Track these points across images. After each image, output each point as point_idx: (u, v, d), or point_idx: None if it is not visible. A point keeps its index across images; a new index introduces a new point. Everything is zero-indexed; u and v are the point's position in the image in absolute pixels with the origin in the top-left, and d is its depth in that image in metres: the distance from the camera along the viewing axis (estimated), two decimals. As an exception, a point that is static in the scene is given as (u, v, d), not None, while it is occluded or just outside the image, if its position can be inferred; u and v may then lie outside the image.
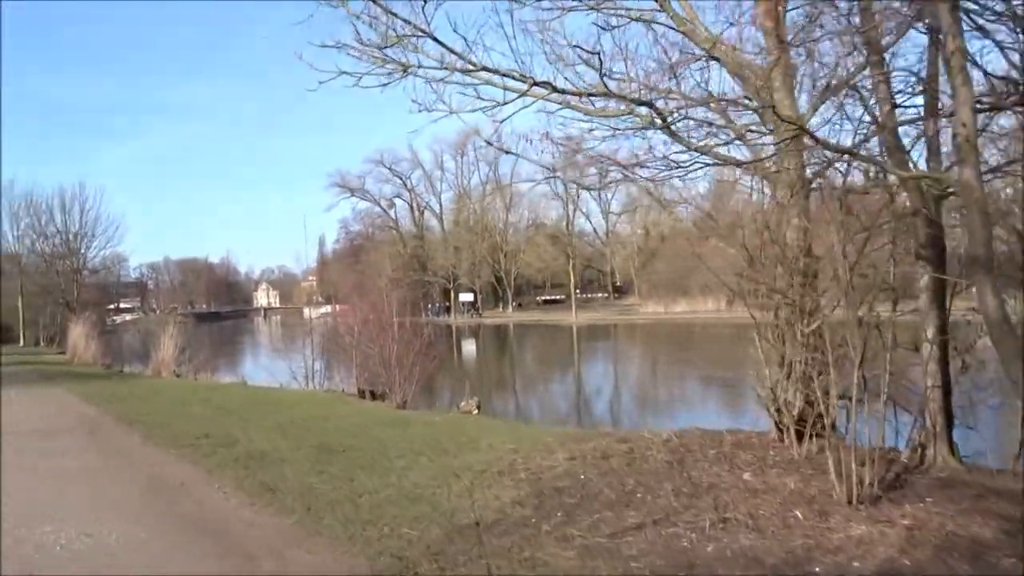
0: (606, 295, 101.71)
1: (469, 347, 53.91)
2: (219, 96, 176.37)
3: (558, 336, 61.83)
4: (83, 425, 12.15)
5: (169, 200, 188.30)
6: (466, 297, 73.71)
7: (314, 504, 6.81)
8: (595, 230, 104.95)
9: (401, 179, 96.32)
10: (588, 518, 5.99)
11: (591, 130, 8.23)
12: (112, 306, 63.25)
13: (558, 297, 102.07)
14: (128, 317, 67.00)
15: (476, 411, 14.73)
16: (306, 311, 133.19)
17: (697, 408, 21.56)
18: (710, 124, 8.11)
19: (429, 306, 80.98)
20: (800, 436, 7.55)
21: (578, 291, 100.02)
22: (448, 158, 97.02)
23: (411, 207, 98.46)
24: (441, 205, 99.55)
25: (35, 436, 11.13)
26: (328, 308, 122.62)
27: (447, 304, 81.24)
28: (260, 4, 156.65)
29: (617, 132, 8.05)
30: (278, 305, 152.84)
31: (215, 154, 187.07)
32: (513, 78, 7.19)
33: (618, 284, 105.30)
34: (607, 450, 8.41)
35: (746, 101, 8.15)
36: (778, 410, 7.79)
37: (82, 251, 49.98)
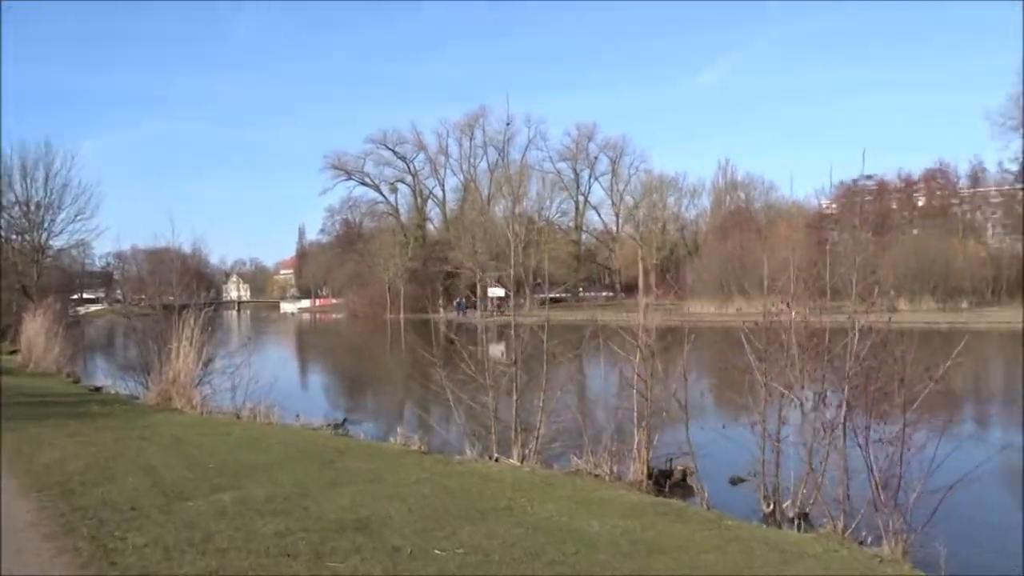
0: (610, 294, 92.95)
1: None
2: (201, 87, 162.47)
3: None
4: None
5: (141, 190, 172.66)
6: (495, 292, 63.91)
7: None
8: (604, 224, 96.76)
9: (404, 161, 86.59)
10: None
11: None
12: (75, 296, 52.53)
13: (563, 295, 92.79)
14: (92, 308, 56.46)
15: None
16: (284, 305, 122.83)
17: None
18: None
19: (440, 302, 70.91)
20: None
21: (580, 289, 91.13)
22: (453, 142, 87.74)
23: (413, 192, 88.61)
24: (444, 192, 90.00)
25: None
26: (307, 302, 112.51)
27: (461, 300, 71.41)
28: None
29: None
30: (249, 298, 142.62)
31: (195, 145, 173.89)
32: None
33: (622, 282, 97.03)
34: None
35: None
36: None
37: (45, 225, 39.38)
